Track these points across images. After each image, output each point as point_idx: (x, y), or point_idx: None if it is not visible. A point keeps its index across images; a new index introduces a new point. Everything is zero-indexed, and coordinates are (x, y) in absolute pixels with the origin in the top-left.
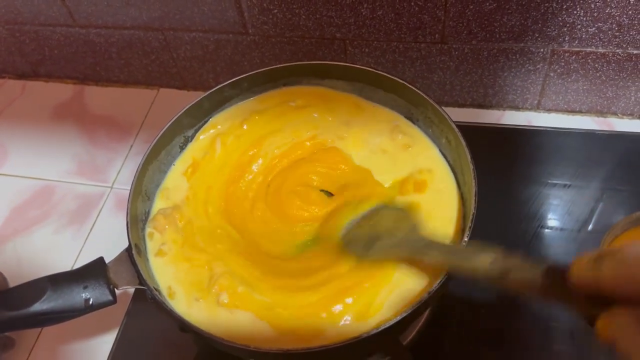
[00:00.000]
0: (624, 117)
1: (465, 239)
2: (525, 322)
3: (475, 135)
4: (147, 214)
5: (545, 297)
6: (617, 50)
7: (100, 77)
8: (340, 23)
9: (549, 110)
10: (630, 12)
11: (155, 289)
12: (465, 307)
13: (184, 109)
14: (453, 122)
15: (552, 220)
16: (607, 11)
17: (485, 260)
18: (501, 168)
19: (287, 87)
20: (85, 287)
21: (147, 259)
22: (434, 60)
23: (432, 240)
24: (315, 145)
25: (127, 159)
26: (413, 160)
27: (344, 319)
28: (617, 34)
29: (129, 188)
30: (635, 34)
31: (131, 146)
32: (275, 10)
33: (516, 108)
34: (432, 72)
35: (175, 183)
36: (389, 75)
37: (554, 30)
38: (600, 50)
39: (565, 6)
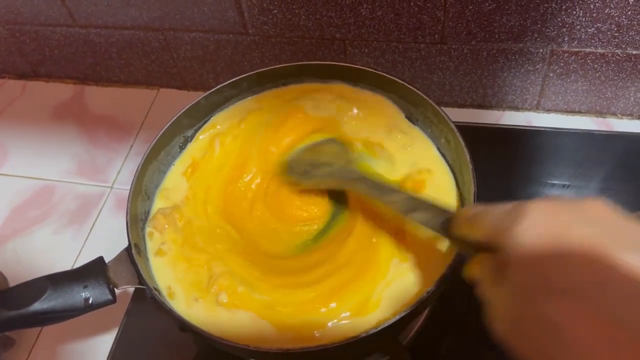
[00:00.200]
0: (623, 117)
1: None
2: None
3: (474, 135)
4: (147, 213)
5: (444, 236)
6: (616, 51)
7: (101, 77)
8: (340, 23)
9: (549, 110)
10: (629, 13)
11: (155, 289)
12: (465, 307)
13: (184, 109)
14: (452, 122)
15: None
16: (606, 12)
17: (399, 197)
18: (500, 168)
19: (286, 87)
20: (85, 287)
21: (146, 259)
22: (433, 60)
23: (362, 174)
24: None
25: (127, 159)
26: (412, 160)
27: (343, 314)
28: (616, 34)
29: (129, 188)
30: (634, 34)
31: (131, 146)
32: (275, 11)
33: (515, 108)
34: (431, 72)
35: (175, 183)
36: (388, 76)
37: (553, 31)
38: (600, 50)
39: (564, 7)
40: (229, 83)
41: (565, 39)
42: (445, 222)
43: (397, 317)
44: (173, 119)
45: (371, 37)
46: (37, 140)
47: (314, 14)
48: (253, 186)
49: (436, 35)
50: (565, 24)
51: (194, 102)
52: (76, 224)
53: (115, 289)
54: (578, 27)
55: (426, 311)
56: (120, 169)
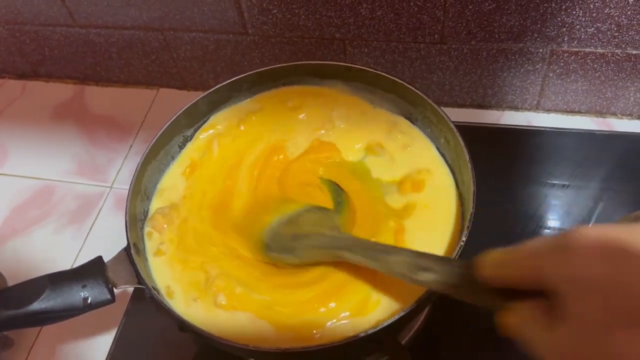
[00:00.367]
0: (623, 117)
1: (463, 239)
2: None
3: (474, 135)
4: (146, 213)
5: (458, 294)
6: (616, 51)
7: (101, 77)
8: (340, 23)
9: (548, 110)
10: (629, 13)
11: (154, 289)
12: (464, 306)
13: (183, 109)
14: (452, 122)
15: (551, 221)
16: (606, 11)
17: (400, 261)
18: (500, 168)
19: (286, 87)
20: (84, 286)
21: (145, 259)
22: (433, 60)
23: (353, 238)
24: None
25: (127, 159)
26: (412, 160)
27: (342, 314)
28: (616, 34)
29: (128, 188)
30: (634, 34)
31: (131, 146)
32: (275, 11)
33: (515, 108)
34: (431, 72)
35: (174, 182)
36: (388, 76)
37: (553, 31)
38: (599, 50)
39: (564, 6)
40: (228, 83)
41: (565, 39)
42: (463, 273)
43: (397, 317)
44: (172, 119)
45: (371, 37)
46: (37, 140)
47: (313, 13)
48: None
49: (436, 35)
50: (565, 24)
51: (194, 101)
52: (76, 223)
53: (114, 288)
54: (578, 27)
55: (425, 311)
56: (120, 169)
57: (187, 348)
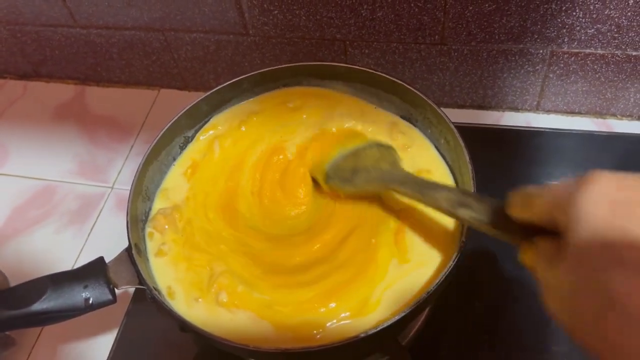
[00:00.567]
0: (623, 118)
1: (463, 239)
2: (525, 323)
3: (474, 136)
4: (147, 214)
5: (491, 231)
6: (616, 52)
7: (102, 77)
8: (341, 24)
9: (548, 111)
10: (629, 14)
11: (155, 289)
12: (465, 307)
13: (184, 110)
14: (452, 122)
15: None
16: (606, 13)
17: (444, 196)
18: (500, 169)
19: (287, 87)
20: (85, 287)
21: (147, 259)
22: (433, 61)
23: (407, 175)
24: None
25: (127, 159)
26: (412, 161)
27: (342, 314)
28: (616, 35)
29: (130, 188)
30: (634, 35)
31: (132, 146)
32: (276, 11)
33: (515, 109)
34: (431, 73)
35: (176, 183)
36: (388, 77)
37: (553, 32)
38: (600, 51)
39: (564, 7)
40: (229, 84)
41: (565, 40)
42: (494, 213)
43: (397, 318)
44: (173, 120)
45: (371, 37)
46: (38, 140)
47: (314, 14)
48: (252, 187)
49: (436, 36)
50: (565, 25)
51: (195, 102)
52: (77, 224)
53: (115, 289)
54: (578, 28)
55: (426, 311)
56: (121, 169)
57: (188, 348)
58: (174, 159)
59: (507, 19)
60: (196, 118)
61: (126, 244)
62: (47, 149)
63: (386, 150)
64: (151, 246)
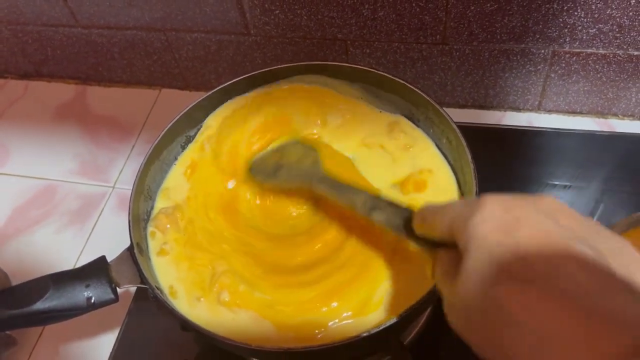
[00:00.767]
0: (625, 118)
1: None
2: None
3: (476, 135)
4: (149, 213)
5: (405, 237)
6: (618, 52)
7: (103, 77)
8: (342, 24)
9: (550, 111)
10: (631, 14)
11: (157, 288)
12: None
13: (185, 110)
14: (454, 122)
15: None
16: (607, 12)
17: (359, 197)
18: (502, 168)
19: (287, 86)
20: (87, 286)
21: (149, 258)
22: (435, 61)
23: (325, 175)
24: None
25: (129, 159)
26: (414, 160)
27: (344, 313)
28: (618, 35)
29: (131, 188)
30: (636, 35)
31: (133, 146)
32: (277, 11)
33: (517, 109)
34: (433, 72)
35: (177, 183)
36: (390, 76)
37: (555, 32)
38: (601, 51)
39: (566, 7)
40: (230, 83)
41: (567, 40)
42: (404, 221)
43: (399, 317)
44: (175, 119)
45: (373, 37)
46: (39, 140)
47: (315, 14)
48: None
49: (438, 36)
50: (567, 25)
51: (196, 102)
52: (78, 223)
53: (117, 288)
54: (580, 28)
55: (427, 311)
56: (122, 169)
57: (189, 348)
58: (176, 159)
59: (508, 19)
60: (197, 118)
61: (127, 244)
62: (48, 148)
63: (307, 148)
64: (153, 245)
